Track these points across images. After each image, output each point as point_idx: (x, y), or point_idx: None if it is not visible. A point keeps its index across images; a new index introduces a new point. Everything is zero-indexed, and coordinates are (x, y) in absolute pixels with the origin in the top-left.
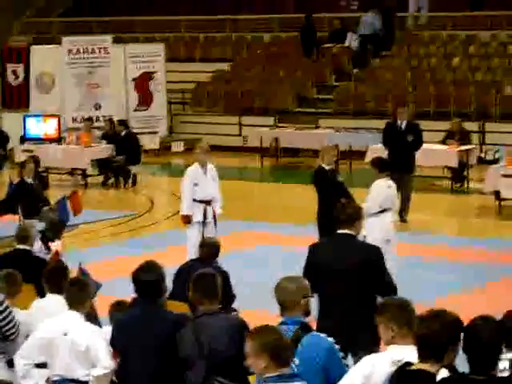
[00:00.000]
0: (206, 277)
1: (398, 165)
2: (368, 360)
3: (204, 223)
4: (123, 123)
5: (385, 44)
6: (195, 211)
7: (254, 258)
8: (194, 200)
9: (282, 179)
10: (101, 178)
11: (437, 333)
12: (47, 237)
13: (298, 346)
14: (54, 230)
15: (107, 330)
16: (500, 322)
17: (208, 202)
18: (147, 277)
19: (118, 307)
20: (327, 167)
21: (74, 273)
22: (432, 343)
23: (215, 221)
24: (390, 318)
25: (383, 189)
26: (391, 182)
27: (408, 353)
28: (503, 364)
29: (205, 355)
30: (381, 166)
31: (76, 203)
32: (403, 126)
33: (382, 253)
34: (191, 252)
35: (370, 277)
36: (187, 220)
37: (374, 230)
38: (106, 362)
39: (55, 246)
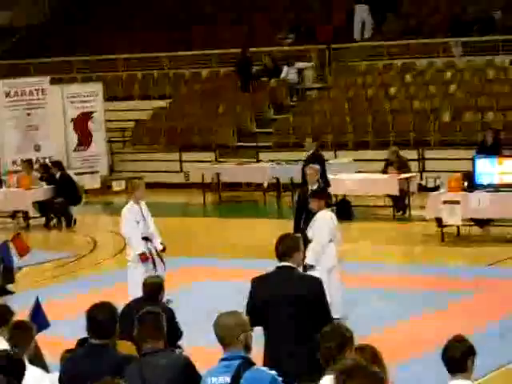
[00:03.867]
0: (150, 315)
1: None
2: None
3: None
4: (56, 164)
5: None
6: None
7: (203, 293)
8: None
9: (225, 214)
10: (42, 220)
11: None
12: None
13: (241, 381)
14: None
15: (54, 376)
16: (444, 349)
17: (148, 239)
18: (103, 316)
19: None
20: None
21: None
22: None
23: (159, 257)
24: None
25: (328, 220)
26: (332, 213)
27: None
28: None
29: None
30: (320, 197)
31: (20, 245)
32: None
33: (323, 284)
34: (134, 289)
35: (310, 308)
36: (145, 257)
37: (320, 260)
38: None
39: None
